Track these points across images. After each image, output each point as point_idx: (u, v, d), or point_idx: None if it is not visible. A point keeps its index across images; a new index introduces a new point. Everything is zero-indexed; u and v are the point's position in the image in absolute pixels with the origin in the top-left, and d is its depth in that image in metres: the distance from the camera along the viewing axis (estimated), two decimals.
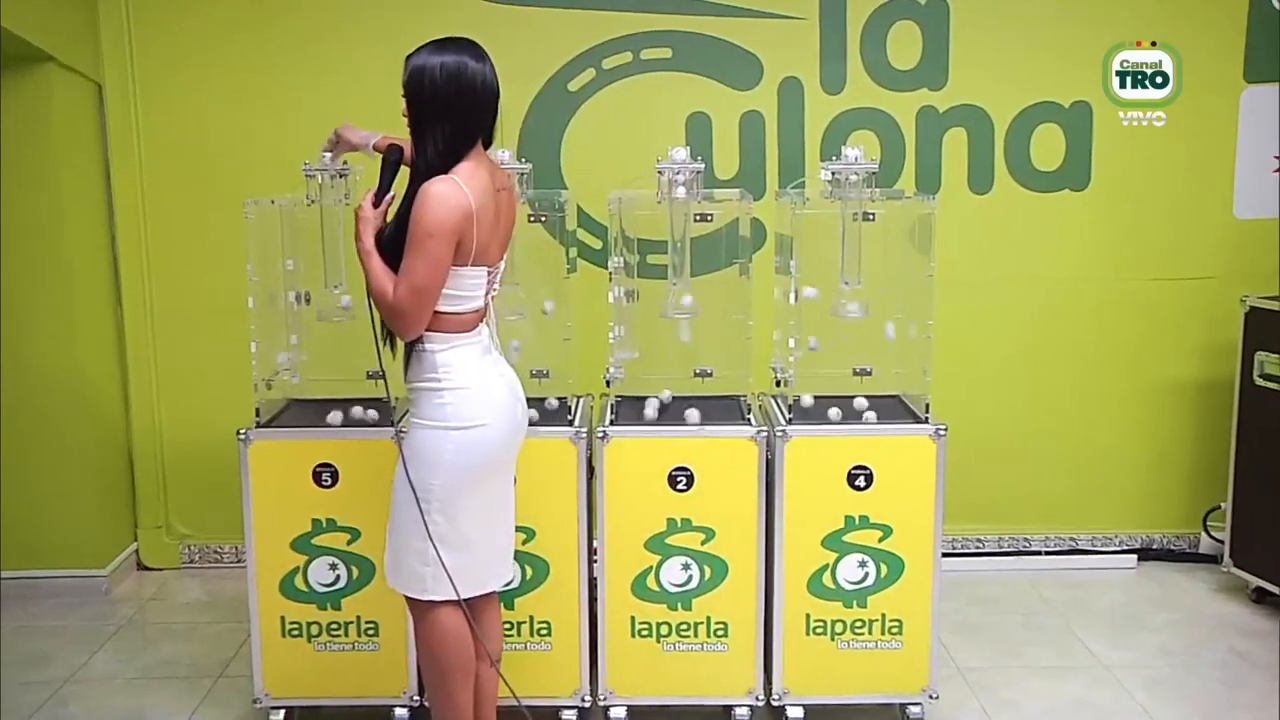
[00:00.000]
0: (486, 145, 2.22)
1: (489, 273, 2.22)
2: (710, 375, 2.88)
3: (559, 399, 2.90)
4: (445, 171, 2.10)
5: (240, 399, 2.96)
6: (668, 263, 2.83)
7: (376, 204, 2.21)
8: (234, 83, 3.63)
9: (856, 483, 2.71)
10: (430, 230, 2.04)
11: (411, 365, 2.21)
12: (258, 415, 2.84)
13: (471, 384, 2.18)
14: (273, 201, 2.87)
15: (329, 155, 2.70)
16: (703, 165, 2.76)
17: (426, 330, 2.15)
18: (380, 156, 2.38)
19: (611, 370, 2.84)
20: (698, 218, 2.78)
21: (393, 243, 2.13)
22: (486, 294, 2.25)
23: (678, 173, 2.73)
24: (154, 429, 3.80)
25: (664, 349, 2.87)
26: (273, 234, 2.86)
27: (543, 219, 2.86)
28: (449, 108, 2.10)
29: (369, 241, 2.16)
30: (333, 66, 3.60)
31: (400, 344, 2.24)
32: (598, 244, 3.56)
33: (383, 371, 2.27)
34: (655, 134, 3.54)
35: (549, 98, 3.61)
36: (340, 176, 2.80)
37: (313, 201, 2.79)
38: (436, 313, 2.13)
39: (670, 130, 3.59)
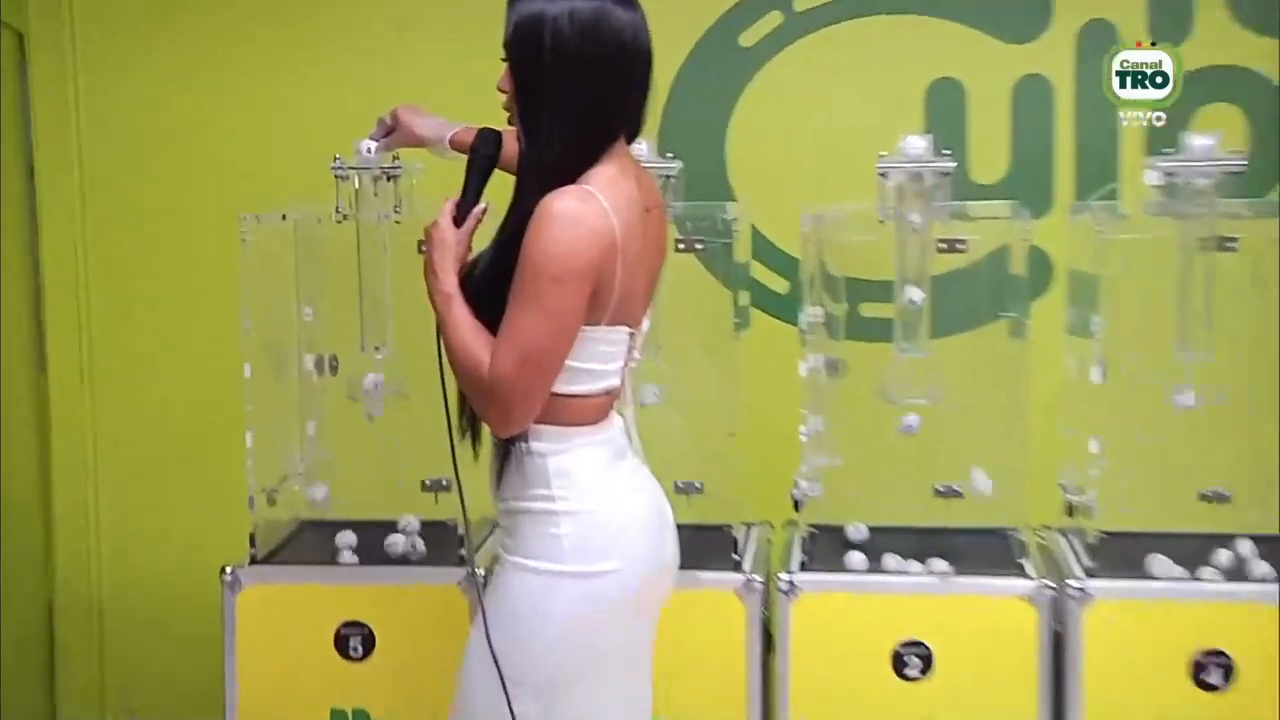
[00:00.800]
0: (631, 138, 2.21)
1: (630, 335, 2.22)
2: (960, 496, 2.91)
3: (719, 527, 2.89)
4: (573, 178, 2.10)
5: (226, 518, 3.02)
6: (894, 316, 2.84)
7: (459, 221, 2.22)
8: (224, 39, 3.75)
9: (1206, 678, 2.65)
10: (555, 271, 2.04)
11: (509, 475, 2.20)
12: (253, 545, 2.88)
13: (600, 505, 2.18)
14: (284, 216, 2.95)
15: (373, 146, 2.76)
16: (953, 163, 2.76)
17: (535, 421, 2.15)
18: (461, 155, 2.40)
19: (803, 485, 2.86)
20: (943, 246, 2.80)
21: (487, 284, 2.14)
22: (624, 366, 2.25)
23: (912, 175, 2.75)
24: (88, 560, 3.84)
25: (887, 453, 2.89)
26: (282, 265, 2.95)
27: (698, 247, 2.89)
28: (582, 79, 2.11)
29: (449, 281, 2.17)
30: (369, 23, 3.73)
31: (487, 439, 2.24)
32: (783, 286, 3.60)
33: (458, 481, 2.27)
34: (876, 114, 3.55)
35: (709, 59, 3.64)
36: (388, 179, 2.85)
37: (345, 216, 2.85)
38: (552, 394, 2.13)
39: (900, 107, 3.58)
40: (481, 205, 2.25)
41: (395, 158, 2.85)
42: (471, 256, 2.22)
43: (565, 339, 2.11)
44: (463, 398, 2.23)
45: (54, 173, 3.82)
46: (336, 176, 2.84)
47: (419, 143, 2.70)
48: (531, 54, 2.13)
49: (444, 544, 2.90)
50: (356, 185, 2.85)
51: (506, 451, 2.20)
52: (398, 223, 2.89)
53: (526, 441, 2.18)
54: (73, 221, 3.83)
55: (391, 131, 2.73)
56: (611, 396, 2.25)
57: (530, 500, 2.19)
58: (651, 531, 2.27)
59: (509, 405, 2.12)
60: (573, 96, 2.12)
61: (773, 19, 3.64)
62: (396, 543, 2.96)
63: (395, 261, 2.91)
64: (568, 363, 2.13)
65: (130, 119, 3.79)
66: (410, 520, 3.00)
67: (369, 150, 2.79)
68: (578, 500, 2.18)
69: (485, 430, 2.23)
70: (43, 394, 3.87)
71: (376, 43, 3.75)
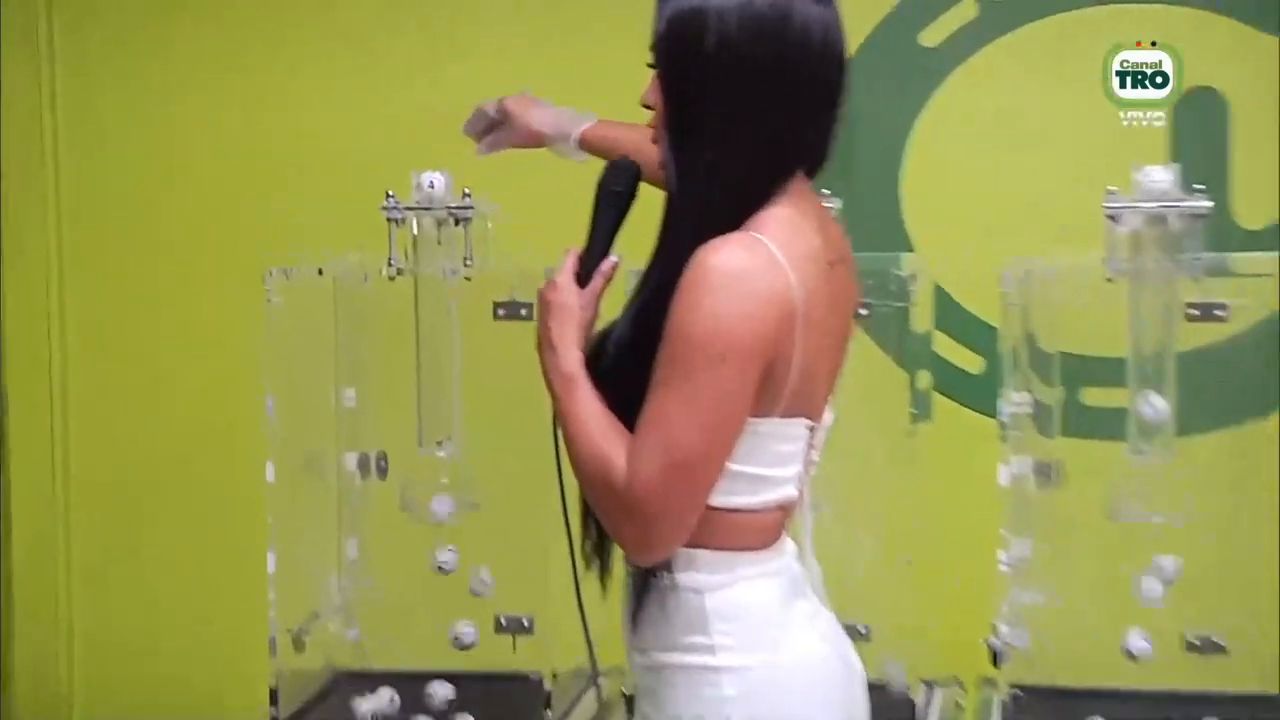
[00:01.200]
0: (813, 172, 2.18)
1: (810, 430, 2.19)
2: (1223, 650, 2.88)
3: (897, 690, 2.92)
4: (738, 223, 2.08)
5: (240, 664, 3.12)
6: (1127, 405, 2.82)
7: (584, 279, 2.22)
8: (235, 38, 3.93)
9: None
10: (714, 346, 1.99)
11: (649, 616, 2.15)
12: (274, 703, 2.90)
13: (775, 658, 2.12)
14: (320, 271, 3.01)
15: (437, 180, 2.84)
16: (1210, 202, 2.75)
17: (686, 545, 2.14)
18: (592, 159, 2.50)
19: (1004, 631, 2.84)
20: (1195, 312, 2.80)
21: (622, 362, 2.10)
22: (804, 471, 2.22)
23: (1153, 217, 2.77)
24: (57, 706, 3.98)
25: (1117, 590, 2.86)
26: (316, 333, 3.01)
27: (864, 312, 2.86)
28: (754, 91, 2.09)
29: (570, 358, 2.12)
30: (427, 15, 3.90)
31: (617, 567, 2.19)
32: (977, 364, 3.67)
33: (584, 622, 2.22)
34: (1101, 136, 3.58)
35: (880, 63, 3.74)
36: (456, 222, 2.91)
37: (400, 271, 2.92)
38: (709, 508, 2.11)
39: (1136, 128, 3.57)
40: (613, 259, 2.20)
41: (466, 194, 2.86)
42: (600, 326, 2.18)
43: (727, 436, 2.04)
44: (587, 511, 2.19)
45: (22, 198, 3.97)
46: (388, 219, 2.91)
47: (536, 141, 2.70)
48: (689, 58, 2.09)
49: (524, 705, 2.93)
50: (415, 230, 2.92)
51: (646, 584, 2.14)
52: (468, 279, 2.94)
53: (673, 572, 2.12)
54: (44, 258, 3.98)
55: (495, 126, 2.74)
56: (785, 512, 2.19)
57: (681, 651, 2.13)
58: (839, 694, 2.22)
59: (651, 523, 2.06)
60: (741, 114, 2.09)
61: (964, 10, 3.71)
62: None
63: (465, 329, 2.96)
64: (730, 466, 2.07)
65: (118, 135, 3.97)
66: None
67: (431, 184, 2.81)
68: (745, 651, 2.12)
69: (618, 555, 2.18)
70: (4, 490, 3.87)
71: (438, 38, 3.87)
